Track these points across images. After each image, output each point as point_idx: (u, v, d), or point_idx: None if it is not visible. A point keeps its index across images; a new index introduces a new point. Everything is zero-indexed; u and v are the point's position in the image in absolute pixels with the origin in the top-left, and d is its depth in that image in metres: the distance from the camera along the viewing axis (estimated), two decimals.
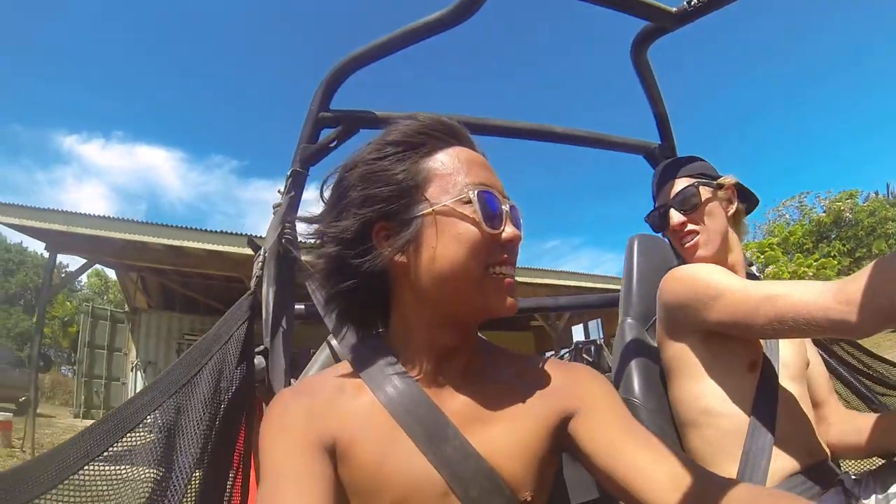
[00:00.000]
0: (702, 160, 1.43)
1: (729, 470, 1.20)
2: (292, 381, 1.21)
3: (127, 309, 14.25)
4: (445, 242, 0.79)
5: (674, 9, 1.39)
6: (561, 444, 0.86)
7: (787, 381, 1.26)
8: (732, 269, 1.34)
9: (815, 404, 1.38)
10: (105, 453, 0.69)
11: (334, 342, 1.14)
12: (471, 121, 1.55)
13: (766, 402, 1.22)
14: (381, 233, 0.82)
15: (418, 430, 0.79)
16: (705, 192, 1.36)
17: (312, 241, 0.90)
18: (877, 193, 25.82)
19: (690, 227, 1.36)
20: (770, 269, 18.66)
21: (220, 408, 0.97)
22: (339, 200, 0.84)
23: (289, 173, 1.40)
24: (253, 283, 1.28)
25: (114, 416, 0.76)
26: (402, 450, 0.78)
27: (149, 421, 0.81)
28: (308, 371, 1.20)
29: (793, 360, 1.29)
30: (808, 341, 1.38)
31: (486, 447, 0.79)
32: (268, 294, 1.27)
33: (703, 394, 1.28)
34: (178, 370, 0.93)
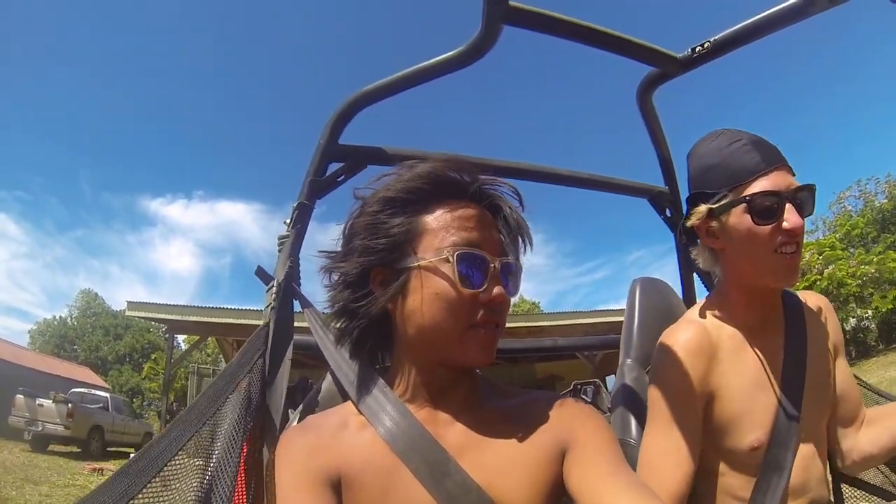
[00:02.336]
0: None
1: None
2: (290, 412, 1.22)
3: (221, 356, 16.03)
4: (426, 297, 0.83)
5: (679, 55, 1.41)
6: (559, 477, 0.85)
7: (807, 421, 1.14)
8: (772, 298, 1.21)
9: (849, 420, 1.24)
10: (141, 493, 0.66)
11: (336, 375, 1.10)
12: (474, 161, 1.55)
13: (786, 443, 1.11)
14: (377, 278, 0.88)
15: (420, 465, 0.80)
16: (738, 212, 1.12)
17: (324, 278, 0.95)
18: None
19: (797, 237, 1.09)
20: (830, 269, 17.59)
21: (244, 437, 0.95)
22: (346, 245, 0.91)
23: (295, 205, 1.43)
24: (267, 314, 1.28)
25: (145, 455, 0.73)
26: (405, 485, 0.79)
27: (179, 458, 0.76)
28: (311, 400, 1.15)
29: (817, 399, 1.16)
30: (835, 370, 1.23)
31: (486, 480, 0.80)
32: (272, 325, 1.26)
33: (709, 461, 1.18)
34: (203, 403, 0.91)
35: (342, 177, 1.50)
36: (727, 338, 1.18)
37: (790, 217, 1.05)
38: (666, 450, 1.12)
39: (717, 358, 1.15)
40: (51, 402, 12.78)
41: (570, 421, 0.87)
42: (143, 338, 54.41)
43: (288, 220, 1.42)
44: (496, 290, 0.83)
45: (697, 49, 1.38)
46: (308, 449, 0.83)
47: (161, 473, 0.71)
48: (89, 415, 13.75)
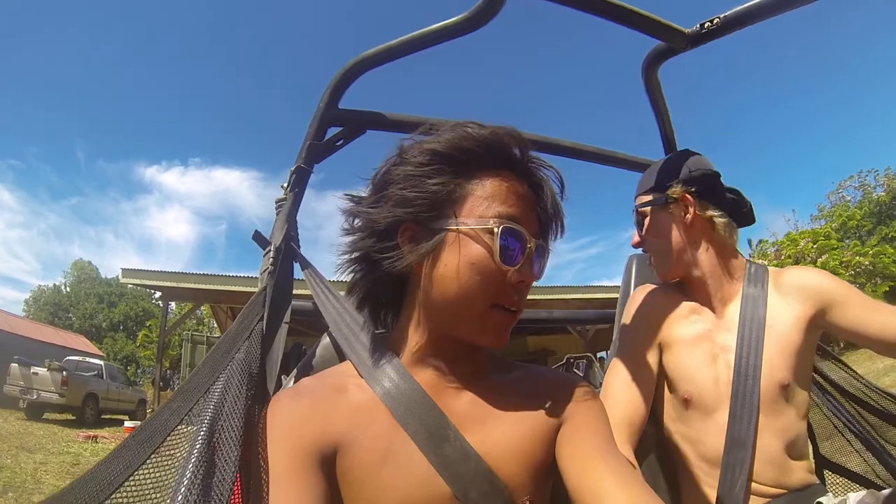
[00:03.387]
0: (666, 163, 1.41)
1: (710, 482, 1.23)
2: (282, 378, 1.22)
3: (219, 334, 15.94)
4: (460, 264, 0.80)
5: (687, 30, 1.39)
6: (553, 454, 0.85)
7: (769, 394, 1.22)
8: (704, 282, 1.34)
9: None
10: (144, 465, 0.67)
11: (334, 336, 1.09)
12: None
13: (743, 418, 1.20)
14: (406, 233, 0.84)
15: (419, 430, 0.79)
16: (652, 212, 1.38)
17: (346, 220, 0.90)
18: None
19: (645, 246, 1.41)
20: (823, 258, 17.63)
21: (247, 402, 0.94)
22: (379, 191, 0.86)
23: (293, 169, 1.42)
24: (266, 278, 1.27)
25: (149, 425, 0.74)
26: (403, 449, 0.78)
27: (181, 428, 0.78)
28: (306, 365, 1.14)
29: (776, 370, 1.23)
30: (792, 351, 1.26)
31: (484, 449, 0.80)
32: (269, 289, 1.25)
33: (669, 411, 1.33)
34: (204, 370, 0.91)
35: (341, 141, 1.47)
36: (682, 304, 1.36)
37: None
38: (625, 386, 1.27)
39: (671, 315, 1.35)
40: (45, 370, 12.84)
41: (568, 399, 0.87)
42: (137, 305, 54.65)
43: (285, 185, 1.41)
44: (528, 271, 0.82)
45: (707, 25, 1.35)
46: (301, 417, 0.80)
47: (164, 443, 0.71)
48: (84, 382, 13.86)
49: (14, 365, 12.95)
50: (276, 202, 1.41)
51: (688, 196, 1.31)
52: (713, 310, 1.33)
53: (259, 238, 1.35)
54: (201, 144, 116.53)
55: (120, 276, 15.14)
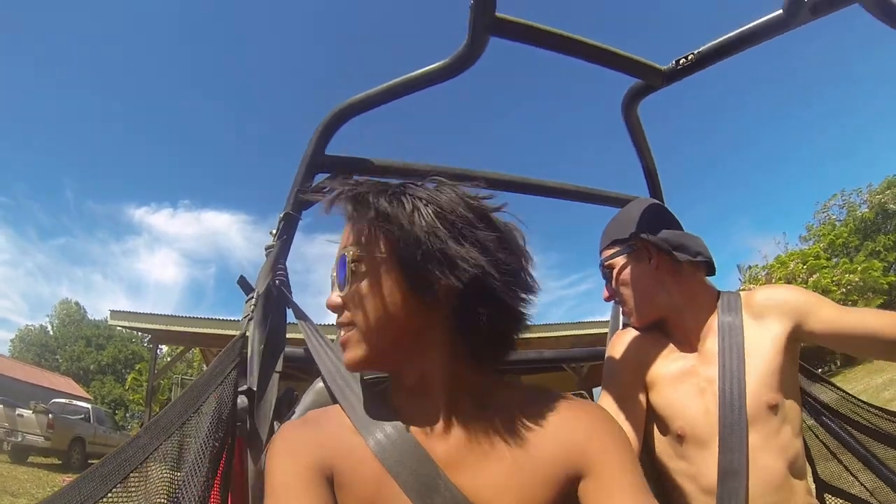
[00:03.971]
0: (623, 215, 1.46)
1: None
2: (275, 424, 1.21)
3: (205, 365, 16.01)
4: None
5: (663, 67, 1.42)
6: (568, 498, 0.79)
7: (757, 421, 1.22)
8: (680, 321, 1.38)
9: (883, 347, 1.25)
10: (103, 500, 0.66)
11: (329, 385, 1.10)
12: (457, 172, 1.56)
13: (733, 447, 1.20)
14: None
15: (408, 480, 0.76)
16: (617, 263, 1.42)
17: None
18: None
19: (617, 297, 1.45)
20: (814, 277, 17.80)
21: (215, 447, 0.95)
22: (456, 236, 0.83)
23: (281, 216, 1.42)
24: (244, 325, 1.29)
25: (112, 460, 0.74)
26: (392, 498, 0.76)
27: (147, 465, 0.77)
28: (299, 407, 1.14)
29: (760, 396, 1.24)
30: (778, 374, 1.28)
31: (480, 496, 0.76)
32: (254, 336, 1.27)
33: (660, 449, 1.34)
34: (173, 412, 0.92)
35: (329, 188, 1.47)
36: (661, 343, 1.39)
37: None
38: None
39: (653, 355, 1.37)
40: (31, 412, 12.57)
41: (589, 439, 0.80)
42: (126, 348, 54.04)
43: (274, 231, 1.42)
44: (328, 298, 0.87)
45: (681, 61, 1.39)
46: (308, 443, 0.81)
47: (126, 480, 0.70)
48: (70, 426, 13.56)
49: None
50: (266, 248, 1.41)
51: (648, 242, 1.36)
52: (693, 345, 1.35)
53: (244, 283, 1.36)
54: (191, 187, 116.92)
55: (108, 318, 14.71)
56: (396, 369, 0.87)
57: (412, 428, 0.82)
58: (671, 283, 1.36)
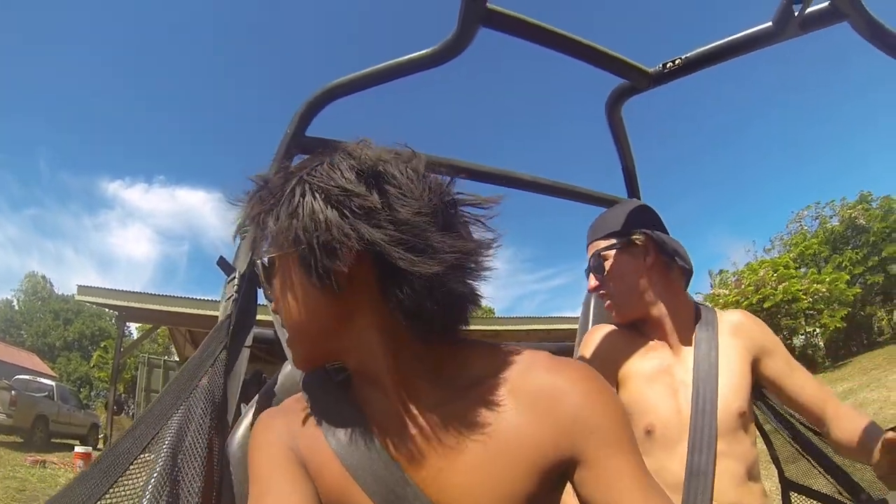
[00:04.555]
0: (621, 209, 1.46)
1: None
2: (242, 406, 1.20)
3: (178, 358, 15.46)
4: None
5: (650, 69, 1.44)
6: (558, 486, 0.73)
7: (725, 426, 1.27)
8: (661, 321, 1.39)
9: (814, 415, 1.38)
10: (105, 496, 0.65)
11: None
12: (434, 160, 1.49)
13: (703, 449, 1.24)
14: None
15: (373, 486, 0.70)
16: (613, 255, 1.41)
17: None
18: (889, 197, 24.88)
19: (603, 290, 1.44)
20: (783, 285, 18.13)
21: (210, 428, 0.94)
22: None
23: None
24: (230, 306, 1.27)
25: (110, 454, 0.73)
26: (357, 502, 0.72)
27: (144, 457, 0.77)
28: (268, 392, 1.15)
29: (729, 405, 1.29)
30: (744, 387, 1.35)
31: (451, 498, 0.69)
32: (234, 317, 1.26)
33: None
34: (168, 398, 0.90)
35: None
36: (637, 341, 1.40)
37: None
38: None
39: (626, 352, 1.39)
40: None
41: (575, 413, 0.69)
42: (93, 324, 53.07)
43: None
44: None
45: (668, 65, 1.41)
46: (285, 432, 0.78)
47: (126, 473, 0.70)
48: (33, 403, 13.20)
49: None
50: (240, 228, 1.36)
51: (650, 241, 1.38)
52: (669, 347, 1.38)
53: (224, 264, 1.35)
54: (166, 162, 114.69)
55: (76, 294, 14.39)
56: (343, 361, 0.80)
57: (374, 426, 0.75)
58: (660, 284, 1.38)
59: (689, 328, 1.40)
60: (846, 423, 1.30)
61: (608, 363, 1.37)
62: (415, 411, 0.73)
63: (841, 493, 1.59)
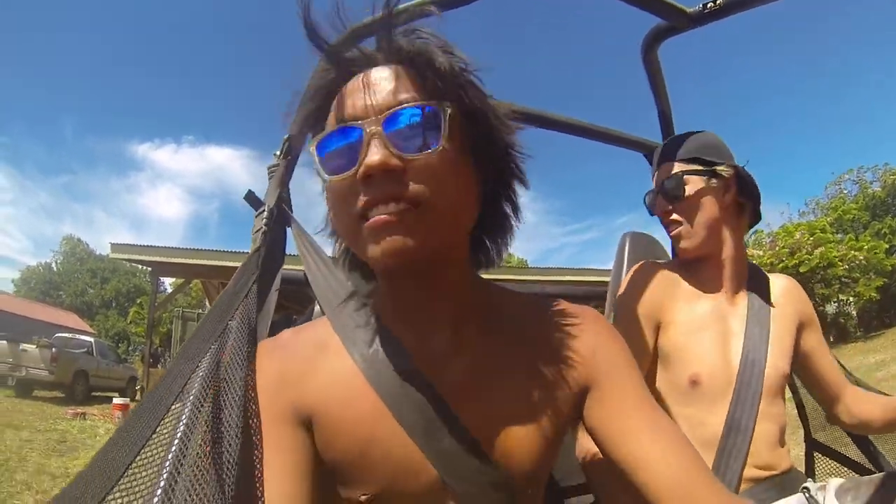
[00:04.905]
0: (707, 138, 1.36)
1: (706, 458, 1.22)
2: None
3: (207, 301, 16.32)
4: (328, 202, 0.70)
5: (690, 9, 1.38)
6: (572, 420, 0.76)
7: (767, 386, 1.24)
8: (722, 265, 1.33)
9: (831, 395, 1.39)
10: (154, 434, 0.62)
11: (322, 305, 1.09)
12: None
13: (746, 404, 1.21)
14: None
15: (410, 415, 0.68)
16: (695, 181, 1.30)
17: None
18: None
19: (675, 216, 1.33)
20: (819, 250, 17.68)
21: (245, 364, 0.89)
22: None
23: (286, 137, 1.36)
24: (259, 238, 1.24)
25: (155, 392, 0.70)
26: (393, 437, 0.68)
27: (187, 389, 0.72)
28: None
29: (776, 365, 1.27)
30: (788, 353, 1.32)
31: (488, 437, 0.69)
32: (263, 249, 1.22)
33: (662, 394, 1.31)
34: (203, 333, 0.86)
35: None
36: (687, 284, 1.34)
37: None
38: None
39: (673, 295, 1.32)
40: (34, 346, 12.69)
41: (592, 352, 0.74)
42: (129, 282, 54.61)
43: (278, 152, 1.38)
44: (367, 159, 0.59)
45: (710, 5, 1.34)
46: (274, 376, 0.72)
47: (171, 409, 0.67)
48: (73, 359, 13.69)
49: (2, 342, 12.74)
50: (269, 168, 1.39)
51: (736, 176, 1.30)
52: (725, 292, 1.33)
53: (252, 198, 1.34)
54: (194, 122, 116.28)
55: (110, 252, 14.90)
56: (427, 277, 0.68)
57: (414, 356, 0.71)
58: (732, 224, 1.33)
59: (743, 279, 1.35)
60: (865, 402, 1.34)
61: (653, 305, 1.31)
62: (460, 345, 0.72)
63: (866, 461, 1.59)
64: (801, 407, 1.75)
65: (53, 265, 56.83)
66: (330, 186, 0.65)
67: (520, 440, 0.69)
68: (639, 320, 1.30)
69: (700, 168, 1.30)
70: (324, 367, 0.72)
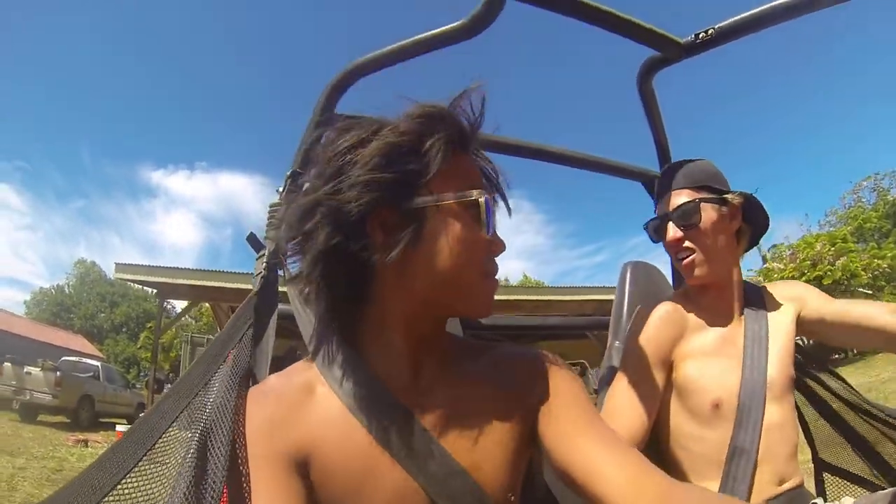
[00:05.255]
0: (710, 166, 1.41)
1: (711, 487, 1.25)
2: None
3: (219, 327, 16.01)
4: (449, 239, 0.77)
5: (682, 39, 1.42)
6: (531, 439, 0.84)
7: (771, 403, 1.28)
8: (727, 291, 1.39)
9: (876, 329, 1.29)
10: (134, 470, 0.68)
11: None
12: None
13: (749, 427, 1.24)
14: (377, 220, 0.76)
15: (399, 446, 0.75)
16: (708, 209, 1.34)
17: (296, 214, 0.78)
18: None
19: (688, 243, 1.35)
20: (841, 261, 17.52)
21: (234, 409, 0.92)
22: (334, 177, 0.75)
23: (288, 174, 1.42)
24: (259, 282, 1.28)
25: (139, 429, 0.76)
26: (385, 467, 0.75)
27: (173, 429, 0.79)
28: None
29: (778, 379, 1.30)
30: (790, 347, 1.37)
31: (468, 457, 0.77)
32: (260, 292, 1.26)
33: (679, 422, 1.34)
34: (195, 374, 0.93)
35: None
36: (695, 316, 1.38)
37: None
38: (629, 398, 1.29)
39: (685, 330, 1.36)
40: (38, 370, 12.53)
41: (541, 379, 0.85)
42: (139, 306, 54.91)
43: (281, 189, 1.41)
44: (502, 240, 0.83)
45: (701, 35, 1.38)
46: (264, 422, 0.77)
47: (154, 447, 0.72)
48: (79, 384, 13.53)
49: (7, 364, 12.60)
50: (270, 206, 1.42)
51: (744, 204, 1.35)
52: (730, 317, 1.38)
53: (254, 240, 1.37)
54: (208, 148, 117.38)
55: (114, 272, 14.48)
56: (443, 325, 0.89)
57: (394, 386, 0.80)
58: (735, 251, 1.38)
59: (742, 299, 1.39)
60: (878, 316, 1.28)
61: (662, 347, 1.34)
62: (426, 382, 0.82)
63: (875, 476, 1.59)
64: (804, 428, 1.75)
65: (66, 288, 57.35)
66: (472, 238, 0.78)
67: (492, 460, 0.78)
68: (648, 363, 1.33)
69: (712, 196, 1.33)
70: (314, 410, 0.78)
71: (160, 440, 0.75)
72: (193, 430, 0.77)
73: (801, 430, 1.74)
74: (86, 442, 10.00)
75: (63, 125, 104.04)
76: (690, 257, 1.34)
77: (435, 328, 0.85)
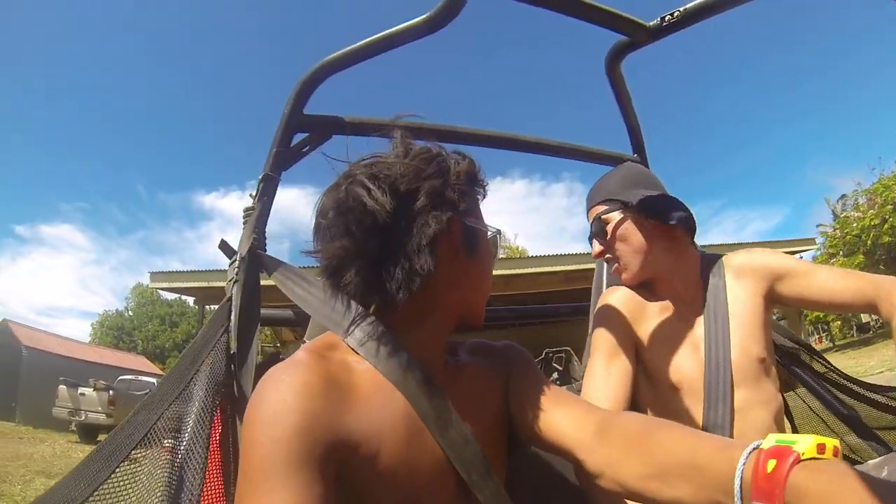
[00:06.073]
0: (618, 173, 1.50)
1: None
2: None
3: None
4: (487, 259, 0.97)
5: (648, 23, 1.44)
6: (509, 415, 0.99)
7: (742, 381, 1.31)
8: (671, 279, 1.43)
9: (864, 303, 1.27)
10: (109, 480, 0.72)
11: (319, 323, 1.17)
12: (440, 128, 1.63)
13: (717, 406, 1.29)
14: (458, 225, 0.89)
15: (429, 413, 0.84)
16: (613, 220, 1.44)
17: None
18: None
19: (608, 255, 1.47)
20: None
21: (212, 414, 1.00)
22: (445, 175, 0.87)
23: (260, 178, 1.48)
24: (231, 288, 1.34)
25: (113, 440, 0.79)
26: (418, 433, 0.82)
27: (148, 439, 0.84)
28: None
29: (743, 356, 1.33)
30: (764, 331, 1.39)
31: (472, 430, 0.87)
32: (237, 299, 1.30)
33: (651, 403, 1.39)
34: (169, 384, 0.97)
35: (307, 147, 1.55)
36: (650, 303, 1.44)
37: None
38: (604, 375, 1.34)
39: (642, 315, 1.42)
40: (92, 390, 12.90)
41: (509, 365, 1.03)
42: (199, 324, 56.19)
43: (253, 193, 1.48)
44: None
45: (667, 18, 1.41)
46: (308, 416, 0.70)
47: (130, 457, 0.75)
48: (132, 402, 13.01)
49: (62, 387, 13.01)
50: (244, 211, 1.48)
51: (645, 203, 1.37)
52: (683, 303, 1.42)
53: (225, 247, 1.43)
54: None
55: (149, 283, 13.07)
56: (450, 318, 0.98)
57: (430, 374, 0.88)
58: (664, 241, 1.41)
59: (696, 281, 1.43)
60: None
61: (626, 325, 1.39)
62: (445, 371, 0.95)
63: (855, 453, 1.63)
64: (791, 418, 1.79)
65: (126, 311, 59.85)
66: (491, 262, 0.99)
67: (489, 433, 0.92)
68: (619, 339, 1.37)
69: (613, 206, 1.43)
70: (357, 386, 0.80)
71: (135, 450, 0.76)
72: (170, 439, 0.80)
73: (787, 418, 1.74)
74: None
75: (116, 162, 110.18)
76: (615, 266, 1.47)
77: (449, 331, 0.97)
